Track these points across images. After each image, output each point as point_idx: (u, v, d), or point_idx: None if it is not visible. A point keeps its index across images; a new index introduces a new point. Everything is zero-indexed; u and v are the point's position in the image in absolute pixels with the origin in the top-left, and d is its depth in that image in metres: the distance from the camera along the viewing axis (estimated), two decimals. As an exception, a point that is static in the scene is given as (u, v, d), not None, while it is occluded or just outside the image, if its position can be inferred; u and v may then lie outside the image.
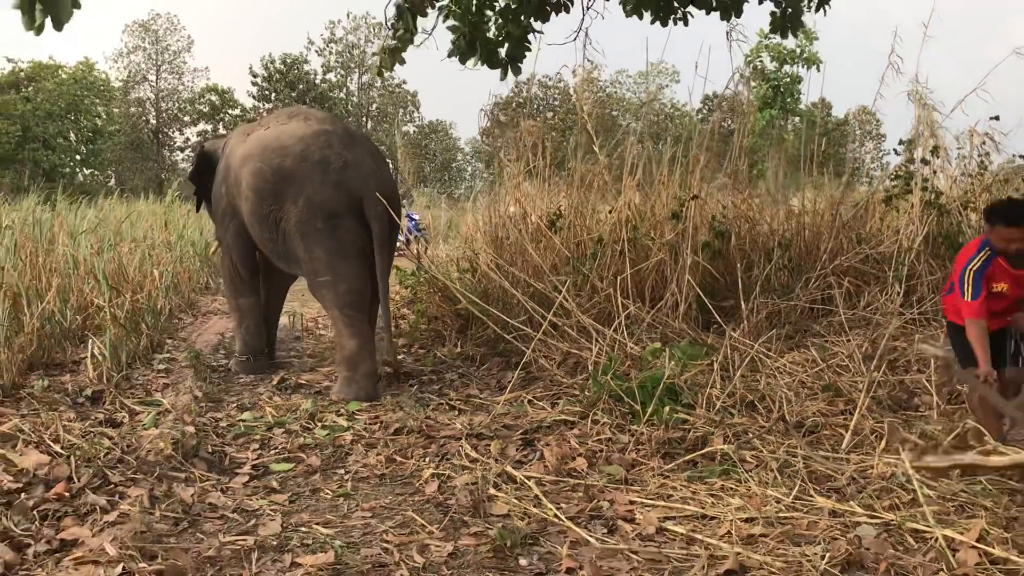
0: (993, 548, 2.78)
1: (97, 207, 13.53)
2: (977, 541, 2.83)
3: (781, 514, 3.21)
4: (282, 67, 44.02)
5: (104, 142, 40.79)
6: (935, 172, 7.50)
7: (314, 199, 5.34)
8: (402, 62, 6.54)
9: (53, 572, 2.75)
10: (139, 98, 45.50)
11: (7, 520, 3.09)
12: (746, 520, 3.17)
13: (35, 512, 3.22)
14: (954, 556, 2.77)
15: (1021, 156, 7.57)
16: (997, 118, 7.37)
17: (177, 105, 45.87)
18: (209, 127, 44.64)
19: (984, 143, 7.59)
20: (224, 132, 39.36)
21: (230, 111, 44.86)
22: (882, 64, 7.17)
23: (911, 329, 6.32)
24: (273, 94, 43.96)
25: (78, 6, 3.26)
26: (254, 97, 44.28)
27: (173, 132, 46.26)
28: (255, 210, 5.56)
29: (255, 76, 43.94)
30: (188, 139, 44.85)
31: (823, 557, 2.80)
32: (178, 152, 45.55)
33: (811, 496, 3.36)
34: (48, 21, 3.24)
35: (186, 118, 45.79)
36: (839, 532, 3.02)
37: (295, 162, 5.39)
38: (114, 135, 41.77)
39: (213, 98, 44.96)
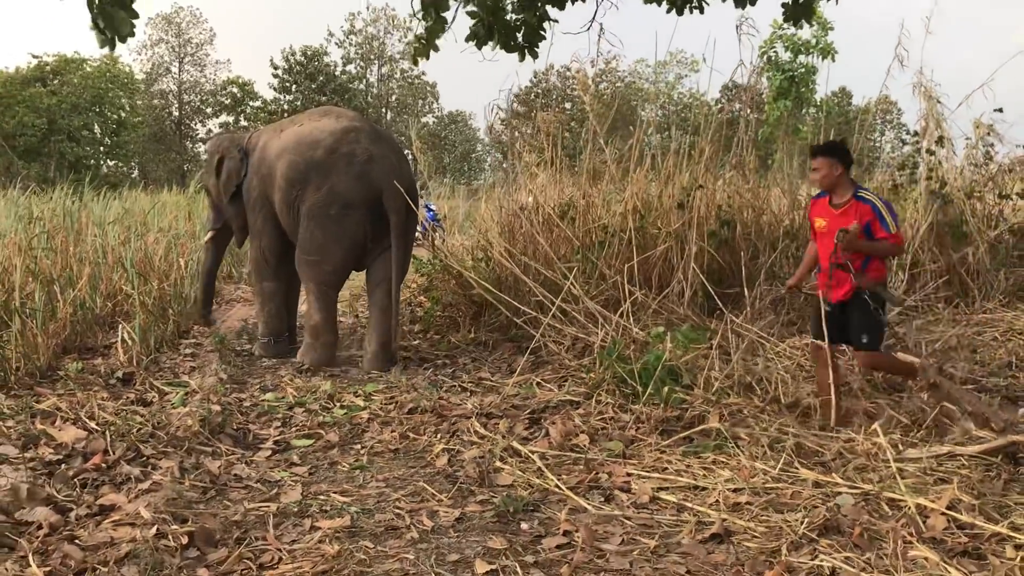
0: (961, 515, 2.96)
1: (122, 198, 13.85)
2: (947, 509, 3.01)
3: (767, 485, 3.41)
4: (302, 59, 44.29)
5: (128, 134, 41.19)
6: (940, 163, 7.63)
7: (336, 187, 5.77)
8: (436, 49, 6.75)
9: (94, 532, 3.00)
10: (162, 90, 46.02)
11: (50, 487, 3.36)
12: (734, 490, 3.38)
13: (75, 480, 3.49)
14: (924, 522, 2.96)
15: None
16: (1001, 110, 7.50)
17: (199, 97, 46.34)
18: (231, 119, 45.05)
19: (988, 134, 7.72)
20: (245, 125, 39.82)
21: (251, 103, 45.24)
22: (906, 54, 7.30)
23: (913, 315, 6.50)
24: (294, 86, 44.28)
25: (136, 16, 3.55)
26: (275, 89, 44.64)
27: (195, 124, 46.74)
28: (285, 198, 6.00)
29: (276, 68, 44.27)
30: (210, 131, 45.28)
31: (803, 522, 3.01)
32: (200, 144, 45.98)
33: (796, 469, 3.55)
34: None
35: (208, 110, 46.23)
36: (820, 501, 3.21)
37: (325, 153, 5.85)
38: (138, 127, 42.19)
39: (234, 90, 45.35)
